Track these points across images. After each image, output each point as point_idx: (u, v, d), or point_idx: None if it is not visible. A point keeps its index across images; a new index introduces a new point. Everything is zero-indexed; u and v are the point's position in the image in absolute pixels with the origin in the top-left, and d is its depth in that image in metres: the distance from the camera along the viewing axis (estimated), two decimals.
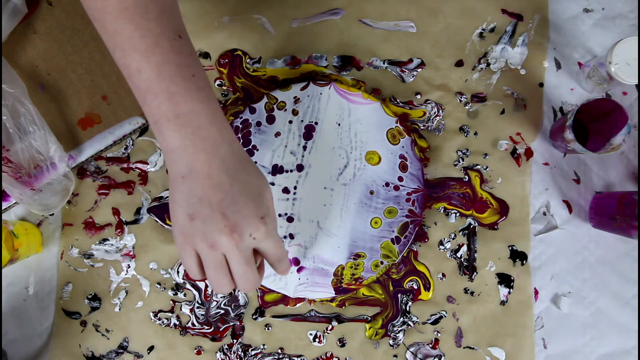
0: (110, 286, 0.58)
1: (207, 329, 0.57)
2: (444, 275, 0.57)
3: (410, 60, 0.59)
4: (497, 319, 0.57)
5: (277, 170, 0.57)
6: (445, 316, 0.57)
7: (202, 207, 0.38)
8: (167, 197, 0.58)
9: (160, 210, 0.58)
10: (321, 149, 0.57)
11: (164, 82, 0.38)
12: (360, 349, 0.57)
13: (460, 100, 0.59)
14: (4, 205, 0.57)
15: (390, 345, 0.57)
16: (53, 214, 0.58)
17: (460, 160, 0.58)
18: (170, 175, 0.40)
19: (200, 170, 0.38)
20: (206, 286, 0.57)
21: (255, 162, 0.57)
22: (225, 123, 0.40)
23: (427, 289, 0.57)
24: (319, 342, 0.57)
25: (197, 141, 0.38)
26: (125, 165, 0.59)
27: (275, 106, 0.57)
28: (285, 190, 0.56)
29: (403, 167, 0.57)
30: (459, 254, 0.57)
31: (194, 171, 0.38)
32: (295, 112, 0.57)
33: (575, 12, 0.59)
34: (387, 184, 0.56)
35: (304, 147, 0.57)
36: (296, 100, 0.57)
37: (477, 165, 0.58)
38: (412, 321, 0.57)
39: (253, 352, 0.57)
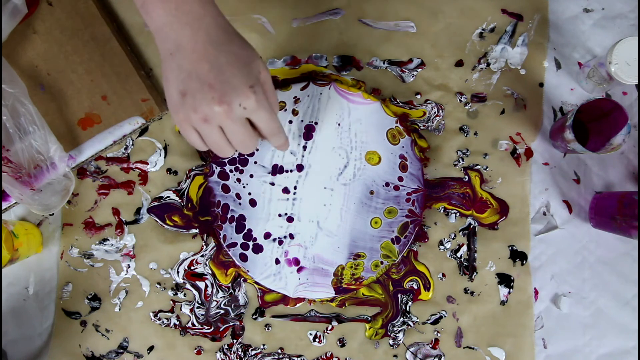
0: (110, 286, 0.58)
1: (207, 329, 0.57)
2: (444, 275, 0.57)
3: (410, 60, 0.59)
4: (497, 319, 0.57)
5: (277, 170, 0.57)
6: (445, 316, 0.57)
7: (191, 81, 0.39)
8: (167, 196, 0.58)
9: (160, 210, 0.58)
10: (321, 149, 0.57)
11: None
12: (360, 349, 0.57)
13: (460, 100, 0.59)
14: (4, 205, 0.57)
15: (390, 345, 0.57)
16: (53, 214, 0.58)
17: (460, 160, 0.58)
18: (160, 54, 0.41)
19: (187, 45, 0.39)
20: (206, 286, 0.58)
21: (255, 162, 0.57)
22: None
23: (427, 289, 0.57)
24: (319, 342, 0.57)
25: (180, 16, 0.39)
26: (125, 165, 0.59)
27: None
28: (285, 190, 0.56)
29: (403, 167, 0.57)
30: (459, 254, 0.57)
31: (180, 47, 0.39)
32: (295, 112, 0.57)
33: (575, 12, 0.59)
34: (387, 184, 0.56)
35: (304, 147, 0.57)
36: (296, 100, 0.57)
37: (477, 165, 0.58)
38: (412, 321, 0.57)
39: (253, 352, 0.57)
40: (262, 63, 0.42)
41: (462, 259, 0.57)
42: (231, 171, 0.57)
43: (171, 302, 0.58)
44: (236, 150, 0.44)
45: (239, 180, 0.57)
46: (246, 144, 0.42)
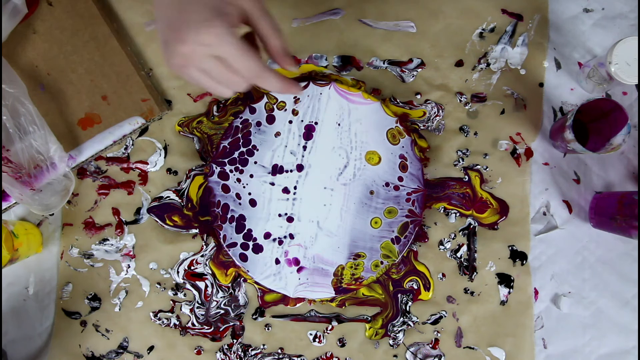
0: (110, 286, 0.58)
1: (207, 329, 0.57)
2: (444, 275, 0.57)
3: (410, 60, 0.59)
4: (497, 319, 0.57)
5: (277, 170, 0.57)
6: (445, 316, 0.57)
7: (164, 30, 0.38)
8: (167, 196, 0.58)
9: (160, 210, 0.58)
10: (321, 149, 0.57)
11: None
12: (360, 349, 0.57)
13: (460, 100, 0.59)
14: (4, 205, 0.57)
15: (390, 345, 0.57)
16: (53, 214, 0.58)
17: (460, 160, 0.58)
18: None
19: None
20: (206, 286, 0.58)
21: (256, 163, 0.57)
22: None
23: (427, 289, 0.57)
24: (319, 342, 0.57)
25: None
26: (125, 165, 0.59)
27: (275, 106, 0.57)
28: (285, 190, 0.56)
29: (403, 167, 0.57)
30: (459, 254, 0.57)
31: (154, 2, 0.39)
32: (295, 112, 0.57)
33: (575, 12, 0.59)
34: (387, 184, 0.56)
35: (304, 147, 0.57)
36: (296, 100, 0.57)
37: (477, 165, 0.58)
38: (412, 321, 0.57)
39: (253, 352, 0.57)
40: None
41: (462, 259, 0.57)
42: (231, 171, 0.57)
43: (171, 302, 0.58)
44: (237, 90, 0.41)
45: (239, 180, 0.57)
46: (231, 81, 0.39)
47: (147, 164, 0.59)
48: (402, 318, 0.57)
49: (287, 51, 0.41)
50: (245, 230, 0.56)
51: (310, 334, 0.57)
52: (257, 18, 0.39)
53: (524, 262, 0.57)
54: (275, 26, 0.40)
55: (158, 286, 0.58)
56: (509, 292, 0.57)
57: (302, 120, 0.57)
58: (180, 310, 0.57)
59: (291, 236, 0.56)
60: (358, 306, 0.57)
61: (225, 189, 0.57)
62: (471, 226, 0.57)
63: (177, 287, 0.58)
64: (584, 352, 0.56)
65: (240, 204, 0.56)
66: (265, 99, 0.57)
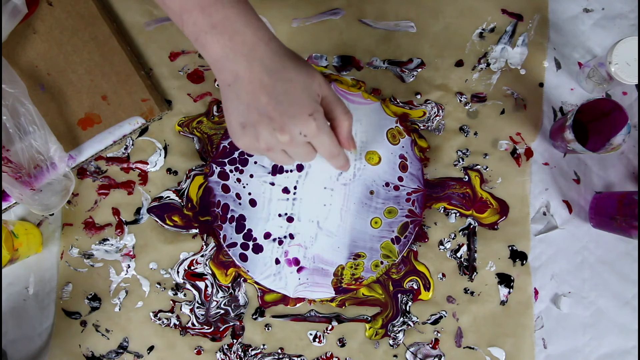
0: (110, 286, 0.58)
1: (207, 329, 0.57)
2: (444, 275, 0.57)
3: (410, 60, 0.59)
4: (497, 319, 0.57)
5: (277, 170, 0.57)
6: (445, 316, 0.57)
7: (250, 113, 0.40)
8: (167, 196, 0.58)
9: (160, 210, 0.58)
10: None
11: None
12: (360, 349, 0.57)
13: (460, 100, 0.59)
14: (4, 205, 0.57)
15: (390, 345, 0.57)
16: (53, 214, 0.58)
17: (460, 160, 0.58)
18: (219, 85, 0.42)
19: (243, 76, 0.39)
20: (206, 286, 0.57)
21: (256, 162, 0.57)
22: (260, 23, 0.41)
23: (427, 289, 0.57)
24: (319, 342, 0.57)
25: (235, 47, 0.39)
26: (125, 165, 0.59)
27: None
28: (285, 190, 0.56)
29: (403, 167, 0.57)
30: (459, 254, 0.57)
31: (238, 78, 0.40)
32: None
33: (575, 12, 0.59)
34: (387, 184, 0.56)
35: None
36: None
37: (477, 165, 0.58)
38: (412, 321, 0.57)
39: (253, 352, 0.57)
40: (320, 80, 0.42)
41: (462, 259, 0.57)
42: (231, 171, 0.57)
43: (171, 302, 0.58)
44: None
45: (239, 180, 0.57)
46: (307, 158, 0.43)
47: (147, 164, 0.59)
48: (402, 318, 0.57)
49: (352, 134, 0.45)
50: (245, 230, 0.56)
51: (310, 334, 0.57)
52: (333, 103, 0.43)
53: (524, 262, 0.57)
54: (347, 110, 0.43)
55: (158, 286, 0.58)
56: (509, 292, 0.57)
57: None
58: (180, 310, 0.57)
59: (291, 236, 0.56)
60: (358, 306, 0.57)
61: (225, 189, 0.57)
62: (471, 226, 0.57)
63: (177, 287, 0.58)
64: (584, 352, 0.56)
65: (240, 204, 0.56)
66: None
